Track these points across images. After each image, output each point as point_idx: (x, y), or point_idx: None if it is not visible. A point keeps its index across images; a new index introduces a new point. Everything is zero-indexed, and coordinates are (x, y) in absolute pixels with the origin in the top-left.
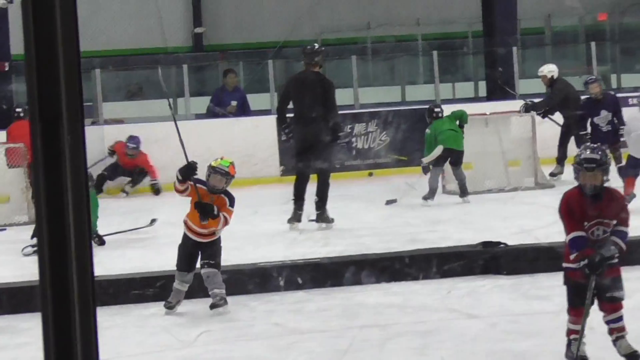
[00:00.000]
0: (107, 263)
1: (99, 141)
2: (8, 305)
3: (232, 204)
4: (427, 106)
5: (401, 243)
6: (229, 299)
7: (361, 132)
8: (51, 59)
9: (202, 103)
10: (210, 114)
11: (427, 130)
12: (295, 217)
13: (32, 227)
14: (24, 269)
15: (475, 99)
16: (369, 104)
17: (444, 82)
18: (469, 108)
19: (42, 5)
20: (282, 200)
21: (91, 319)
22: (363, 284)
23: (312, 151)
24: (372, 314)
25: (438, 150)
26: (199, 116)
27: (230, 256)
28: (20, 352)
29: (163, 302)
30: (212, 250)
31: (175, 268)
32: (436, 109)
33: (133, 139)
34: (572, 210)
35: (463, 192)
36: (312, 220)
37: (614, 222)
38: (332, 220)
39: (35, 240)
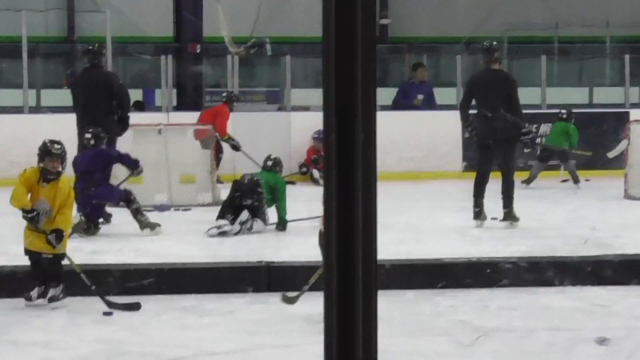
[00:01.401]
0: (292, 249)
1: (285, 127)
2: (193, 285)
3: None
4: (616, 110)
5: (586, 247)
6: (412, 292)
7: (547, 132)
8: (350, 54)
9: (385, 94)
10: (396, 105)
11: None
12: (475, 215)
13: (216, 208)
14: (208, 249)
15: None
16: (555, 105)
17: (633, 85)
18: None
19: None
20: (463, 196)
21: (373, 306)
22: (547, 286)
23: (495, 149)
24: (557, 317)
25: (623, 144)
26: (383, 107)
27: (412, 250)
28: (206, 331)
29: None
30: None
31: None
32: (562, 111)
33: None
34: None
35: (575, 179)
36: (495, 219)
37: None
38: (517, 219)
39: (220, 222)
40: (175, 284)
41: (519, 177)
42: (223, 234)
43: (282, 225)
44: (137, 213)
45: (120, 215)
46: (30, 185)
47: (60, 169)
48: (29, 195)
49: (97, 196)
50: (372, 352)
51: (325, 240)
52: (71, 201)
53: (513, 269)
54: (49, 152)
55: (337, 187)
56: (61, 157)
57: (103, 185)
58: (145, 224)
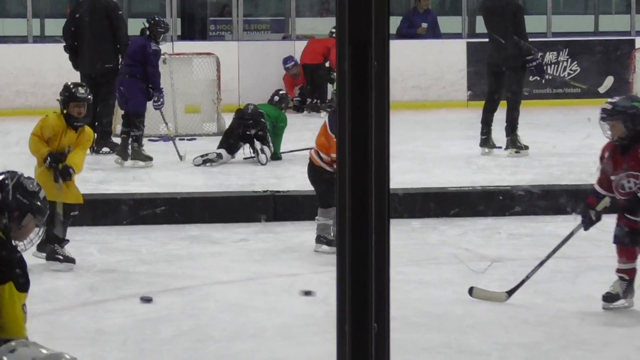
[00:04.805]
0: (297, 179)
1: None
2: (200, 214)
3: None
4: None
5: (592, 175)
6: (418, 221)
7: (552, 61)
8: None
9: (392, 23)
10: (399, 34)
11: None
12: (482, 142)
13: (219, 137)
14: (214, 179)
15: None
16: (560, 33)
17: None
18: None
19: None
20: (469, 125)
21: (386, 230)
22: (553, 214)
23: (504, 76)
24: (564, 246)
25: (609, 80)
26: None
27: (419, 179)
28: (213, 261)
29: None
30: None
31: None
32: None
33: (289, 58)
34: None
35: None
36: (499, 147)
37: None
38: (523, 148)
39: (217, 151)
40: (182, 213)
41: (524, 106)
42: (207, 162)
43: (275, 159)
44: (135, 140)
45: None
46: (54, 133)
47: (85, 114)
48: (57, 141)
49: (125, 86)
50: (385, 281)
51: (338, 171)
52: (89, 144)
53: (518, 197)
54: (74, 97)
55: (351, 117)
56: (86, 100)
57: (138, 83)
58: (138, 155)
